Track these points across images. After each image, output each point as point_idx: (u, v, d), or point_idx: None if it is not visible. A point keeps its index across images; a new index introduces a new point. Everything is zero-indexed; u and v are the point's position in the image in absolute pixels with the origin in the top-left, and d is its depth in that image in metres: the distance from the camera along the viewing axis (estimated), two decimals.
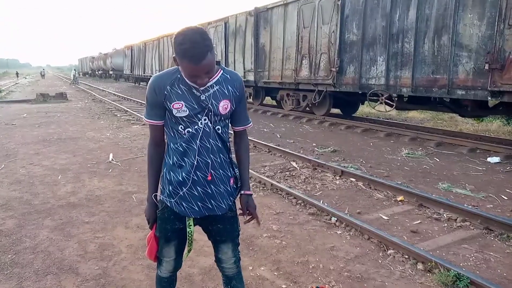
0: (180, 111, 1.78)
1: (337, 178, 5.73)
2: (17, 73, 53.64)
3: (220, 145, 1.88)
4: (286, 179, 5.70)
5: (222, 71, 1.85)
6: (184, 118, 1.79)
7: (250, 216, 2.08)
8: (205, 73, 1.68)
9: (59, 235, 3.79)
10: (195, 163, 1.82)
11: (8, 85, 35.12)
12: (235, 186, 2.01)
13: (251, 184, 5.24)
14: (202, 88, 1.77)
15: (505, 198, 4.91)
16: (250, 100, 15.07)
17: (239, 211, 2.06)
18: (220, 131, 1.87)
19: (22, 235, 3.78)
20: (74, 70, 41.55)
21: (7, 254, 3.41)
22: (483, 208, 4.53)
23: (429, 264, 3.15)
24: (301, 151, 7.46)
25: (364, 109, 13.78)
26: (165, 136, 1.93)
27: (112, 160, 6.76)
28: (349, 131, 10.05)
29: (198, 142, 1.81)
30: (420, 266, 3.20)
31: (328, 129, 10.55)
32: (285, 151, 7.18)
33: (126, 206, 4.58)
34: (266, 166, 6.46)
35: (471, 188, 5.29)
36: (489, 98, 7.09)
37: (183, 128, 1.82)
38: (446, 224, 4.10)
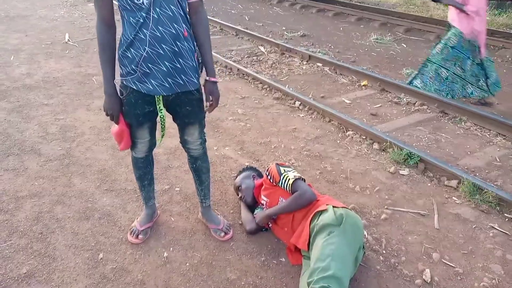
0: None
1: (304, 63, 5.67)
2: None
3: (182, 14, 1.72)
4: (253, 64, 5.59)
5: None
6: None
7: (211, 105, 1.96)
8: None
9: (18, 117, 3.68)
10: (158, 34, 1.67)
11: None
12: (198, 61, 1.89)
13: (217, 69, 5.13)
14: None
15: None
16: None
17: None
18: None
19: None
20: None
21: None
22: None
23: (384, 144, 3.33)
24: (270, 35, 7.21)
25: None
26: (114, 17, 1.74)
27: (69, 40, 6.33)
28: (320, 15, 9.69)
29: (158, 9, 1.64)
30: (375, 146, 3.38)
31: (299, 12, 10.10)
32: (253, 35, 6.91)
33: (87, 89, 4.43)
34: (233, 50, 6.26)
35: None
36: None
37: None
38: (404, 108, 4.26)
